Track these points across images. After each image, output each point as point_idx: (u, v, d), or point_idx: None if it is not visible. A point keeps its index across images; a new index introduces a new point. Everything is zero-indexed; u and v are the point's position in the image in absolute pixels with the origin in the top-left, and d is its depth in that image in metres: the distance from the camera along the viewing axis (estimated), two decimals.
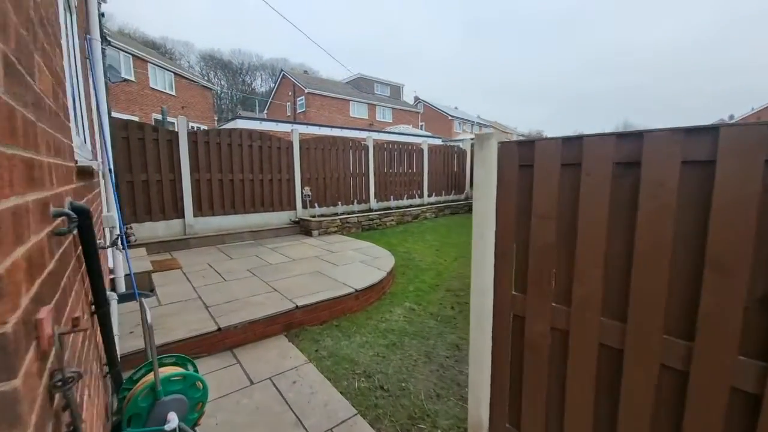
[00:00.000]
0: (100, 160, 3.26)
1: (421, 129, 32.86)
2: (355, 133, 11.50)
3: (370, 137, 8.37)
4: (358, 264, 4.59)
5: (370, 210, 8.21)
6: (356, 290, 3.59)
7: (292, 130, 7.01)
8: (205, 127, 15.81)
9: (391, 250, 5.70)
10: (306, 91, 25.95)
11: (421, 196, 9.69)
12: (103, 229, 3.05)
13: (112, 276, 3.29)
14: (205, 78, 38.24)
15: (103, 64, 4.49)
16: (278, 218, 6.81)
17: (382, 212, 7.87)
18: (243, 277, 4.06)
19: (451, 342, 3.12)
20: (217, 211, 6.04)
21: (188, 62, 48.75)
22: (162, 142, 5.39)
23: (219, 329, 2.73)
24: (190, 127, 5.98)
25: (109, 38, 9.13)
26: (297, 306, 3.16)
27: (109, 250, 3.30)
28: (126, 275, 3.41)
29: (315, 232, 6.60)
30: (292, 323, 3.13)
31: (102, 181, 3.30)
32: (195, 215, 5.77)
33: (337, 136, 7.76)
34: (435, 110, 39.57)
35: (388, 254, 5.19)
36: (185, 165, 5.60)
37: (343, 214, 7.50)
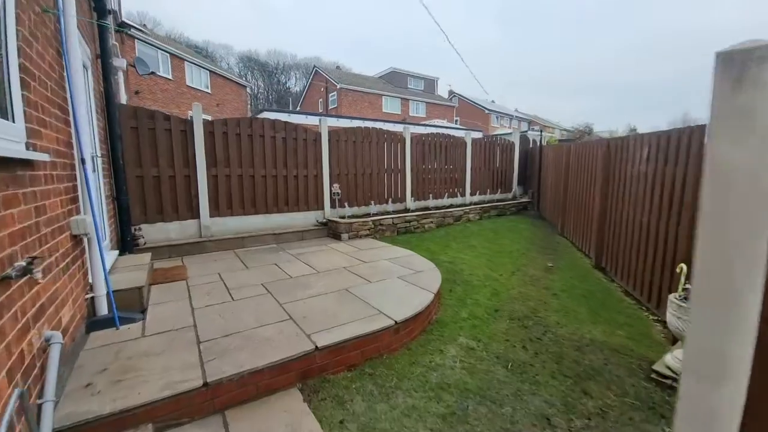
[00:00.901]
0: (76, 149, 2.58)
1: (456, 123, 31.37)
2: (389, 126, 10.60)
3: (407, 128, 7.43)
4: (395, 280, 3.68)
5: (407, 210, 7.27)
6: (396, 322, 2.68)
7: (320, 120, 6.23)
8: None
9: (432, 260, 4.74)
10: (338, 86, 25.44)
11: (463, 194, 8.61)
12: (74, 236, 2.36)
13: (91, 295, 2.62)
14: (244, 78, 39.08)
15: (106, 45, 3.90)
16: (304, 219, 6.07)
17: (420, 213, 6.91)
18: (255, 294, 3.28)
19: (538, 410, 2.12)
20: (236, 211, 5.38)
21: (227, 64, 50.32)
22: (175, 132, 4.78)
23: (205, 384, 1.92)
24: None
25: (128, 22, 8.80)
26: (317, 347, 2.31)
27: (89, 260, 2.62)
28: (117, 291, 2.73)
29: (344, 236, 5.78)
30: (310, 370, 2.28)
31: (79, 175, 2.62)
32: (212, 215, 5.14)
33: (370, 128, 6.90)
34: (471, 104, 37.79)
35: (432, 266, 4.24)
36: (200, 158, 4.97)
37: (376, 215, 6.63)
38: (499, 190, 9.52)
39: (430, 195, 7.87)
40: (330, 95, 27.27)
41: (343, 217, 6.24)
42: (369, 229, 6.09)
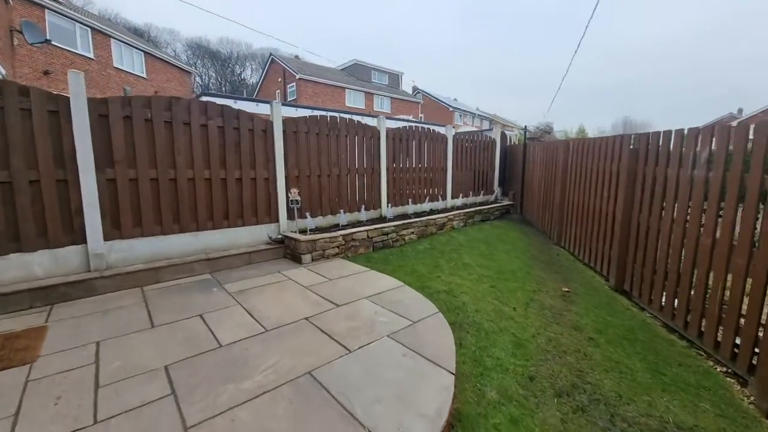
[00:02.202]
0: None
1: (421, 120, 30.56)
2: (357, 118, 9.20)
3: (382, 119, 6.15)
4: (386, 344, 2.42)
5: (383, 219, 6.02)
6: None
7: (272, 106, 4.76)
8: None
9: (425, 290, 3.57)
10: (297, 77, 23.49)
11: (444, 198, 7.52)
12: None
13: None
14: (193, 67, 35.36)
15: None
16: (251, 236, 4.59)
17: (399, 223, 5.69)
18: (142, 401, 1.84)
19: None
20: (148, 230, 3.79)
21: (173, 50, 45.71)
22: (39, 114, 3.12)
23: None
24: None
25: None
26: None
27: None
28: None
29: (306, 258, 4.40)
30: None
31: None
32: (108, 238, 3.52)
33: (337, 117, 5.53)
34: (435, 101, 37.35)
35: (431, 308, 3.04)
36: (85, 154, 3.33)
37: (346, 227, 5.30)
38: (482, 192, 8.58)
39: (409, 200, 6.68)
40: (288, 86, 25.19)
41: (304, 232, 4.85)
42: (338, 247, 4.76)
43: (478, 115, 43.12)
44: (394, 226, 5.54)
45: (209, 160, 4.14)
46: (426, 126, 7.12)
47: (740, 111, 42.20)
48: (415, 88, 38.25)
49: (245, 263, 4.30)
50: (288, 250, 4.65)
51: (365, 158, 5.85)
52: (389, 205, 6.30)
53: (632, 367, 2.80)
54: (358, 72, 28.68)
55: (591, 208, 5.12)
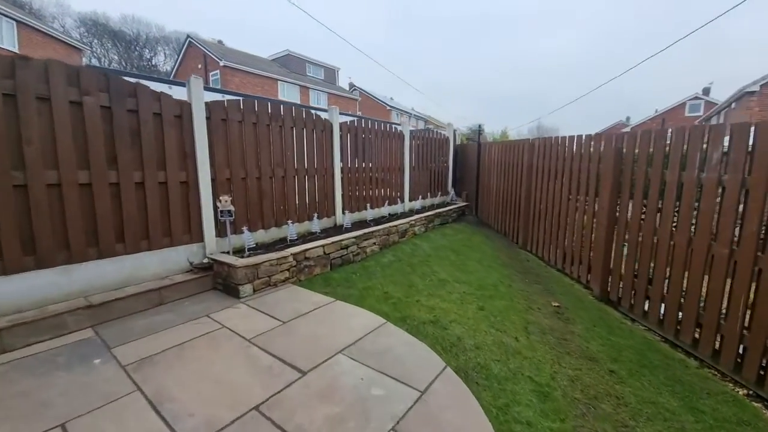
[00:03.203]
0: None
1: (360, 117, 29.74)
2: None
3: (335, 110, 5.16)
4: None
5: (339, 229, 5.06)
6: None
7: (189, 83, 3.48)
8: None
9: (407, 321, 2.83)
10: (221, 63, 20.89)
11: (402, 200, 6.81)
12: None
13: None
14: (88, 47, 29.54)
15: None
16: (161, 264, 3.29)
17: (359, 233, 4.78)
18: None
19: None
20: None
21: (62, 25, 37.86)
22: None
23: None
24: None
25: None
26: None
27: None
28: None
29: (246, 288, 3.27)
30: None
31: None
32: None
33: (281, 103, 4.41)
34: (372, 99, 36.89)
35: (433, 359, 2.26)
36: None
37: (295, 241, 4.24)
38: (439, 194, 8.07)
39: (368, 205, 5.81)
40: (211, 74, 22.32)
41: (241, 252, 3.68)
42: (288, 269, 3.70)
43: (414, 115, 43.86)
44: (354, 237, 4.62)
45: (87, 155, 2.77)
46: (381, 121, 6.32)
47: (628, 119, 49.67)
48: (351, 85, 37.30)
49: (154, 305, 3.02)
50: (219, 279, 3.45)
51: (316, 156, 4.82)
52: (345, 211, 5.35)
53: (670, 407, 2.34)
54: (291, 64, 26.71)
55: (564, 212, 4.83)
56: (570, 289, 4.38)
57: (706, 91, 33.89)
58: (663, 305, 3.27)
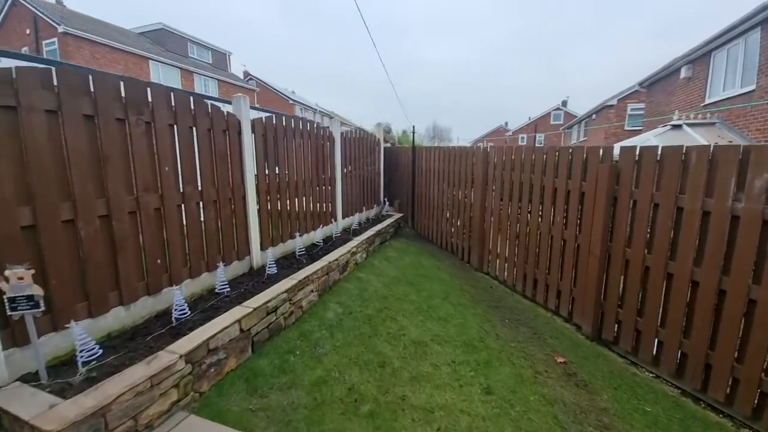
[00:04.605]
0: None
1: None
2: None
3: (243, 100, 3.47)
4: None
5: (258, 274, 3.45)
6: None
7: None
8: None
9: None
10: (60, 29, 15.62)
11: (335, 218, 5.42)
12: None
13: None
14: None
15: None
16: None
17: (291, 284, 3.27)
18: None
19: None
20: None
21: None
22: None
23: None
24: None
25: None
26: None
27: None
28: None
29: None
30: None
31: None
32: None
33: (143, 83, 2.58)
34: (272, 91, 33.55)
35: None
36: None
37: (186, 317, 2.53)
38: (374, 206, 6.92)
39: (297, 233, 4.28)
40: (44, 43, 16.53)
41: (69, 371, 1.86)
42: (178, 385, 2.03)
43: (319, 111, 41.78)
44: (285, 291, 3.11)
45: None
46: (306, 119, 4.79)
47: (506, 124, 57.04)
48: (246, 74, 33.23)
49: None
50: None
51: (218, 170, 3.11)
52: (267, 247, 3.75)
53: None
54: (167, 41, 21.91)
55: (533, 232, 4.21)
56: (554, 325, 3.75)
57: (564, 103, 40.84)
58: (679, 351, 2.79)
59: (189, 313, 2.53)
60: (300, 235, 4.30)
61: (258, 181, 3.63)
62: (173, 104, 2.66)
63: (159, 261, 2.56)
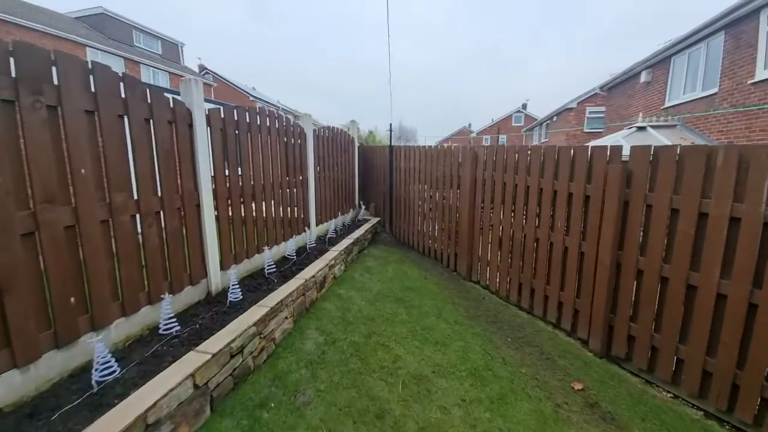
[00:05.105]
0: None
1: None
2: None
3: (195, 84, 2.78)
4: None
5: (218, 300, 2.79)
6: None
7: None
8: None
9: None
10: None
11: (308, 225, 4.79)
12: None
13: None
14: None
15: None
16: None
17: (260, 314, 2.66)
18: None
19: None
20: None
21: None
22: None
23: None
24: None
25: None
26: None
27: None
28: None
29: None
30: None
31: None
32: None
33: (50, 52, 1.87)
34: (231, 86, 31.73)
35: None
36: None
37: (107, 375, 1.85)
38: (350, 209, 6.35)
39: (265, 246, 3.62)
40: None
41: None
42: None
43: (282, 108, 40.15)
44: (254, 324, 2.49)
45: None
46: (273, 112, 4.12)
47: (470, 125, 58.53)
48: (202, 67, 31.13)
49: None
50: None
51: (161, 172, 2.42)
52: (228, 265, 3.07)
53: None
54: (109, 28, 19.72)
55: (530, 239, 3.89)
56: (558, 341, 3.42)
57: (525, 106, 42.51)
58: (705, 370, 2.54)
59: (118, 371, 1.84)
60: (269, 248, 3.65)
61: (216, 184, 2.95)
62: (92, 84, 1.96)
63: (73, 300, 1.85)
